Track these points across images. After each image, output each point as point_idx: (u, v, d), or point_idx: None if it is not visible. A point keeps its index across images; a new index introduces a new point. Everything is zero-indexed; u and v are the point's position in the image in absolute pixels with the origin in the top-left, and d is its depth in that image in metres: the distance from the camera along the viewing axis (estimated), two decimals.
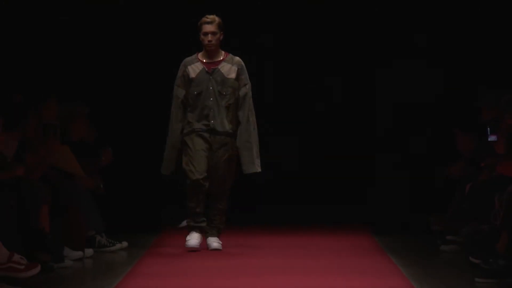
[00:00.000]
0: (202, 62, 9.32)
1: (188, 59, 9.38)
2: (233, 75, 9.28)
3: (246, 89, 9.33)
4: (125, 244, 10.00)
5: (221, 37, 9.28)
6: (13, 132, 8.62)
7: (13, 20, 12.28)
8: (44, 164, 8.97)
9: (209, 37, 9.20)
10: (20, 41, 12.28)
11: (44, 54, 12.33)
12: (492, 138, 9.53)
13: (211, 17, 9.23)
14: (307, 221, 12.06)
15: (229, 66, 9.30)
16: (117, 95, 12.34)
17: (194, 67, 9.30)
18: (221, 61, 9.32)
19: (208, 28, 9.21)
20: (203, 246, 9.36)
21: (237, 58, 9.38)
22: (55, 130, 9.19)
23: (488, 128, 9.98)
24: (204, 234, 9.41)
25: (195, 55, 9.39)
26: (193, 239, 9.30)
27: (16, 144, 8.62)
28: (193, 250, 9.26)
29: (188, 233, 9.37)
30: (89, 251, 9.44)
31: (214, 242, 9.34)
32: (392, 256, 9.34)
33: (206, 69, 9.27)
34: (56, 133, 9.22)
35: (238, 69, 9.30)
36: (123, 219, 11.26)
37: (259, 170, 9.37)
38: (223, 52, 9.37)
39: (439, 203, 10.73)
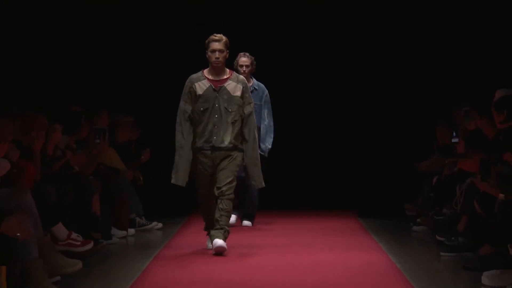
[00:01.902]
0: (208, 79, 8.04)
1: (194, 76, 8.10)
2: (238, 93, 8.01)
3: (251, 107, 8.08)
4: (160, 224, 10.01)
5: (227, 55, 8.09)
6: (70, 136, 8.66)
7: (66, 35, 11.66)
8: (95, 162, 9.02)
9: (217, 54, 7.97)
10: (77, 58, 11.71)
11: (97, 70, 11.80)
12: (455, 140, 9.53)
13: (218, 35, 8.04)
14: (304, 206, 11.88)
15: (235, 84, 8.04)
16: (153, 106, 11.97)
17: (201, 84, 8.02)
18: (227, 79, 8.06)
19: (215, 46, 7.99)
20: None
21: (241, 77, 8.20)
22: (104, 135, 9.17)
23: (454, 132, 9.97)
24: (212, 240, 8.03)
25: (201, 72, 8.12)
26: (218, 241, 7.88)
27: (74, 146, 8.67)
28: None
29: (211, 239, 8.01)
30: (131, 231, 9.52)
31: (219, 241, 7.91)
32: (373, 235, 9.38)
33: (213, 87, 8.00)
34: (105, 137, 9.20)
35: (243, 87, 8.05)
36: (158, 204, 11.29)
37: (264, 185, 8.20)
38: (228, 70, 8.14)
39: (412, 193, 10.69)
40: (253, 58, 9.90)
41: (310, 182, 12.24)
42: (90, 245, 7.82)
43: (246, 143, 8.05)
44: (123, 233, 9.28)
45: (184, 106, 8.04)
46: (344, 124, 12.32)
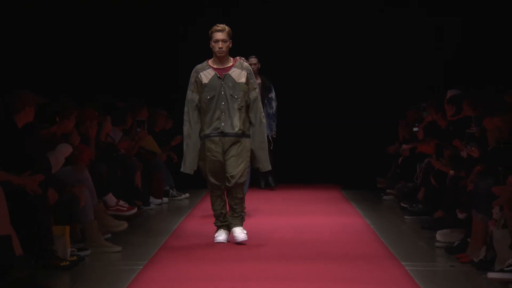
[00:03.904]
0: (213, 68, 6.59)
1: (199, 66, 6.64)
2: (243, 80, 6.57)
3: (256, 92, 6.63)
4: (187, 195, 9.96)
5: (230, 45, 6.61)
6: (118, 126, 8.71)
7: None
8: (137, 146, 9.03)
9: (220, 44, 6.52)
10: (120, 63, 11.15)
11: (138, 74, 11.35)
12: (415, 129, 9.53)
13: (221, 25, 6.58)
14: (296, 181, 11.57)
15: (239, 71, 6.59)
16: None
17: (206, 73, 6.56)
18: (231, 66, 6.60)
19: (219, 36, 6.53)
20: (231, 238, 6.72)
21: (246, 64, 6.74)
22: (144, 125, 9.19)
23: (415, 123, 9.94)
24: (230, 228, 6.70)
25: (206, 62, 6.65)
26: (221, 235, 6.66)
27: (120, 134, 8.75)
28: (222, 243, 6.63)
29: (216, 231, 6.73)
30: (165, 199, 9.51)
31: (240, 234, 6.60)
32: (352, 203, 9.36)
33: (218, 75, 6.56)
34: (145, 127, 9.20)
35: (247, 73, 6.60)
36: (186, 179, 11.23)
37: (271, 167, 6.81)
38: (231, 58, 6.69)
39: (383, 170, 10.61)
40: (257, 58, 9.14)
41: (302, 161, 11.95)
42: (134, 210, 7.85)
43: (252, 127, 6.65)
44: (159, 201, 9.31)
45: (191, 96, 6.61)
46: (331, 116, 11.85)
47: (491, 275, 5.37)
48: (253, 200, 9.26)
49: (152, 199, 9.16)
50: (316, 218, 8.13)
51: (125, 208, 7.76)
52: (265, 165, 6.72)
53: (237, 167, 6.57)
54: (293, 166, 11.87)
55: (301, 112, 11.93)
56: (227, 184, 6.61)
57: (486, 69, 10.37)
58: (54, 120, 6.65)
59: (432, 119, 8.65)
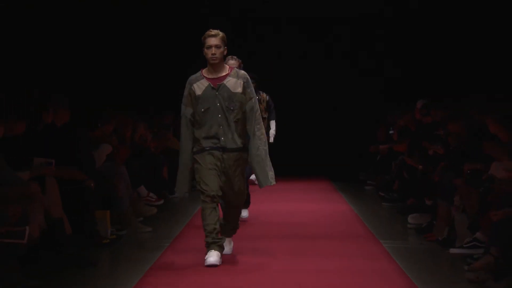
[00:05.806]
0: (207, 78, 5.07)
1: (193, 76, 5.12)
2: (239, 89, 5.04)
3: (253, 102, 5.06)
4: None
5: (225, 52, 5.10)
6: (149, 129, 8.66)
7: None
8: (163, 145, 9.01)
9: (213, 50, 5.01)
10: (150, 73, 10.67)
11: (161, 84, 10.99)
12: (391, 132, 9.54)
13: (215, 31, 5.07)
14: (291, 174, 11.10)
15: (235, 80, 5.06)
16: None
17: (200, 84, 5.06)
18: (226, 76, 5.08)
19: (212, 41, 5.02)
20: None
21: (242, 72, 5.15)
22: (168, 128, 9.20)
23: (391, 127, 10.00)
24: (222, 249, 5.08)
25: (200, 72, 5.13)
26: (212, 256, 4.93)
27: (150, 135, 8.82)
28: (213, 266, 4.91)
29: (206, 251, 4.99)
30: None
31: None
32: (340, 192, 9.30)
33: (212, 85, 5.04)
34: (169, 130, 9.22)
35: (243, 82, 5.07)
36: None
37: (273, 182, 5.14)
38: (227, 67, 5.15)
39: (365, 165, 10.47)
40: (240, 61, 6.30)
41: (296, 157, 11.71)
42: (161, 201, 7.86)
43: (249, 141, 5.12)
44: None
45: (184, 110, 5.14)
46: (322, 117, 11.77)
47: (452, 250, 5.46)
48: (253, 189, 9.28)
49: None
50: (309, 205, 8.09)
51: (154, 199, 7.75)
52: (262, 180, 5.11)
53: (239, 195, 5.15)
54: (292, 164, 11.66)
55: (302, 118, 11.84)
56: (228, 201, 5.19)
57: (447, 82, 10.37)
58: (96, 125, 6.74)
59: (405, 124, 8.69)
